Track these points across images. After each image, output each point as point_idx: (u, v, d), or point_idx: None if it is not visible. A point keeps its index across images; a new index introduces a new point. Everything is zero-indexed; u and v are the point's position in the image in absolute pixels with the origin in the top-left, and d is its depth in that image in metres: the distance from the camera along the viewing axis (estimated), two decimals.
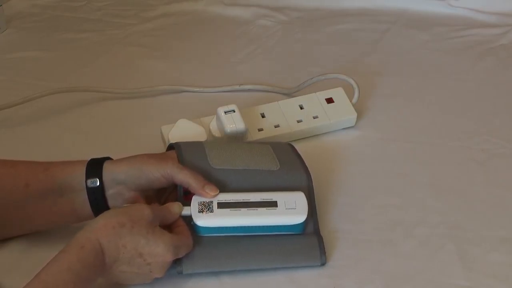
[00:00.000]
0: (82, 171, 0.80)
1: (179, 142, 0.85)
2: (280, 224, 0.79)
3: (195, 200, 0.78)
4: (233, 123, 0.94)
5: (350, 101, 1.03)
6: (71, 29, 1.33)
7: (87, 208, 0.81)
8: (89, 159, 0.81)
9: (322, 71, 1.09)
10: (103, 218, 0.74)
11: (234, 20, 1.34)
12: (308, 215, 0.79)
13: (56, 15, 1.38)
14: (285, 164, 0.84)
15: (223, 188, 0.80)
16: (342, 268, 0.79)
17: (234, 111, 0.95)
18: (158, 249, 0.74)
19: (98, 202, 0.80)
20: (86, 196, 0.80)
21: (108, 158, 0.82)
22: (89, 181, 0.79)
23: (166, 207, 0.79)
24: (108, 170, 0.80)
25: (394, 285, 0.78)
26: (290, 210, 0.78)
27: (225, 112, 0.95)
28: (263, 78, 1.15)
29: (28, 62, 1.23)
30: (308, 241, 0.80)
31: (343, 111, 1.02)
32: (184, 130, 0.95)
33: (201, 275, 0.79)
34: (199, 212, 0.78)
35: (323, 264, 0.80)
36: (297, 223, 0.79)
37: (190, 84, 1.13)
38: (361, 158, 0.96)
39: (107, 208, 0.80)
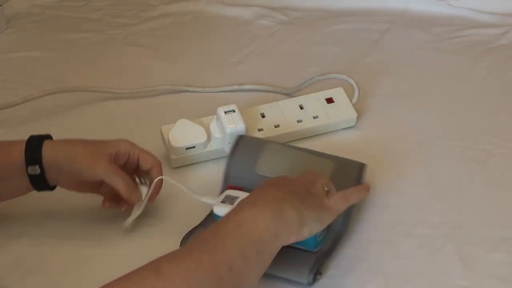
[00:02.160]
0: (21, 157, 0.80)
1: (244, 136, 0.91)
2: None
3: (226, 192, 0.83)
4: (233, 123, 0.94)
5: (350, 101, 1.03)
6: (71, 29, 1.33)
7: (27, 188, 0.82)
8: (26, 139, 0.82)
9: (322, 71, 1.09)
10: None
11: (234, 20, 1.34)
12: (329, 235, 0.80)
13: (56, 15, 1.38)
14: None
15: None
16: (342, 268, 0.79)
17: (234, 111, 0.95)
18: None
19: (40, 184, 0.82)
20: (28, 180, 0.81)
21: (48, 137, 0.83)
22: (29, 168, 0.80)
23: None
24: (46, 156, 0.80)
25: (394, 285, 0.78)
26: None
27: (225, 112, 0.95)
28: (263, 78, 1.15)
29: (28, 62, 1.23)
30: (305, 257, 0.79)
31: (343, 111, 1.02)
32: (184, 130, 0.95)
33: None
34: (221, 202, 0.81)
35: (309, 284, 0.78)
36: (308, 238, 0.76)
37: (190, 84, 1.13)
38: (361, 158, 0.96)
39: (48, 186, 0.82)
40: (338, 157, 0.89)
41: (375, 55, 1.22)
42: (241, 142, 0.91)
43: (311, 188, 0.75)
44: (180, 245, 0.83)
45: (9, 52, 1.26)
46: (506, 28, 1.26)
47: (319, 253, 0.80)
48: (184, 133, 0.95)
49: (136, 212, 0.85)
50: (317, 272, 0.78)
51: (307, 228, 0.71)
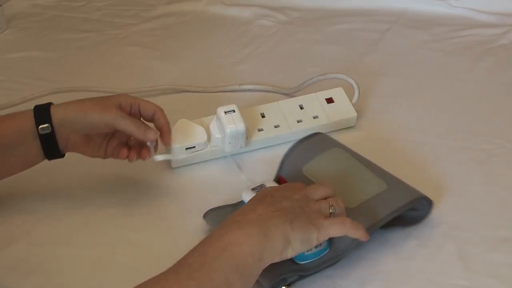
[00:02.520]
0: (30, 120, 0.82)
1: (320, 134, 0.91)
2: None
3: (264, 182, 0.84)
4: (233, 123, 0.94)
5: (350, 101, 1.03)
6: (71, 29, 1.33)
7: (39, 155, 0.84)
8: (32, 107, 0.83)
9: (322, 71, 1.09)
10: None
11: (234, 20, 1.34)
12: (328, 253, 0.78)
13: (56, 15, 1.38)
14: (360, 207, 0.81)
15: None
16: (342, 268, 0.79)
17: (234, 111, 0.95)
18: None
19: (51, 146, 0.84)
20: (39, 144, 0.83)
21: (51, 104, 0.85)
22: (40, 128, 0.82)
23: None
24: (56, 115, 0.83)
25: (394, 285, 0.78)
26: None
27: (225, 112, 0.95)
28: (263, 78, 1.15)
29: (28, 62, 1.23)
30: (285, 265, 0.75)
31: (343, 111, 1.02)
32: (184, 130, 0.95)
33: None
34: (251, 189, 0.83)
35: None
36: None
37: (190, 84, 1.13)
38: None
39: (59, 152, 0.85)
40: (396, 179, 0.85)
41: (375, 55, 1.22)
42: (312, 139, 0.90)
43: (308, 205, 0.74)
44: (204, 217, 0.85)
45: (9, 52, 1.26)
46: (506, 28, 1.26)
47: (302, 266, 0.77)
48: (184, 133, 0.95)
49: (168, 155, 0.89)
50: (282, 282, 0.76)
51: (291, 248, 0.71)
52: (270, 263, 0.70)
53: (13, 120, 0.84)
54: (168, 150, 0.95)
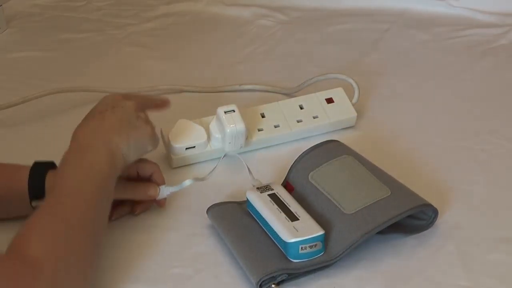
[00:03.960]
0: (24, 189, 0.82)
1: (334, 141, 0.91)
2: (280, 236, 0.79)
3: (271, 184, 0.85)
4: (233, 123, 0.94)
5: (350, 101, 1.03)
6: (71, 29, 1.33)
7: (29, 210, 0.81)
8: (30, 168, 0.83)
9: (322, 71, 1.09)
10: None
11: (234, 20, 1.34)
12: (323, 256, 0.79)
13: (56, 15, 1.38)
14: (359, 212, 0.81)
15: (302, 201, 0.84)
16: (342, 268, 0.79)
17: (234, 111, 0.95)
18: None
19: None
20: (30, 207, 0.82)
21: (51, 165, 0.84)
22: (33, 203, 0.82)
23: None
24: (50, 186, 0.82)
25: (394, 285, 0.78)
26: (299, 232, 0.78)
27: (225, 112, 0.95)
28: (263, 78, 1.15)
29: (28, 62, 1.23)
30: (277, 261, 0.78)
31: (343, 111, 1.02)
32: (184, 130, 0.95)
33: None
34: (256, 188, 0.84)
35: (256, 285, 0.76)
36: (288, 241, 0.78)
37: (190, 84, 1.13)
38: None
39: None
40: (402, 186, 0.85)
41: (375, 55, 1.22)
42: (324, 146, 0.90)
43: (142, 114, 0.85)
44: (207, 213, 0.86)
45: (9, 52, 1.26)
46: (506, 28, 1.26)
47: (293, 264, 0.78)
48: (184, 133, 0.95)
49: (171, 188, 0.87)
50: (271, 280, 0.76)
51: (129, 158, 0.82)
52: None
53: (9, 178, 0.84)
54: (168, 149, 0.95)
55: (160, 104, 0.90)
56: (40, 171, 0.83)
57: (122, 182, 0.83)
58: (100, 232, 0.76)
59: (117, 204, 0.86)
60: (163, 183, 0.87)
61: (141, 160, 0.87)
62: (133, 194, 0.86)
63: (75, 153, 0.79)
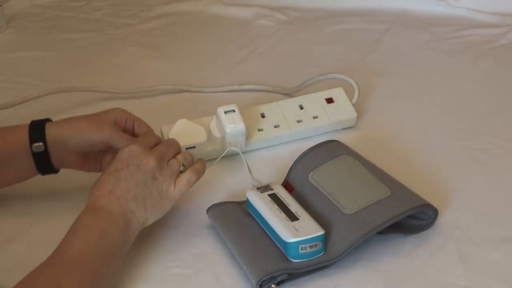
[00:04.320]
0: (25, 136, 0.82)
1: (334, 141, 0.91)
2: (280, 236, 0.79)
3: (271, 184, 0.85)
4: (233, 123, 0.94)
5: (350, 101, 1.03)
6: (71, 29, 1.33)
7: (33, 170, 0.84)
8: (29, 122, 0.84)
9: (322, 71, 1.09)
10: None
11: (234, 20, 1.34)
12: (323, 255, 0.79)
13: (56, 15, 1.38)
14: (359, 213, 0.81)
15: (302, 201, 0.84)
16: (342, 268, 0.79)
17: (234, 111, 0.95)
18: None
19: (44, 164, 0.84)
20: (32, 161, 0.83)
21: (48, 120, 0.85)
22: (34, 146, 0.82)
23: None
24: (51, 134, 0.83)
25: (394, 285, 0.78)
26: (299, 232, 0.78)
27: (225, 112, 0.95)
28: (263, 78, 1.15)
29: (28, 62, 1.23)
30: (277, 261, 0.78)
31: (343, 111, 1.02)
32: (184, 130, 0.95)
33: None
34: (257, 188, 0.84)
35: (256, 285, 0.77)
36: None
37: (190, 84, 1.13)
38: None
39: (53, 168, 0.85)
40: (402, 187, 0.85)
41: (375, 55, 1.22)
42: (324, 146, 0.90)
43: (161, 172, 0.80)
44: (207, 213, 0.86)
45: (9, 52, 1.26)
46: (506, 28, 1.26)
47: (293, 264, 0.78)
48: (184, 133, 0.95)
49: None
50: (271, 280, 0.76)
51: (149, 221, 0.80)
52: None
53: (8, 134, 0.84)
54: None
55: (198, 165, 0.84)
56: (38, 124, 0.84)
57: (121, 134, 0.84)
58: None
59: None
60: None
61: (138, 118, 0.88)
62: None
63: (87, 215, 0.77)
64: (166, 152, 0.82)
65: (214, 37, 1.30)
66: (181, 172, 0.82)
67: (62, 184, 0.93)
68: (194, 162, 0.84)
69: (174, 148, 0.84)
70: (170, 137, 0.94)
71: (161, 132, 0.97)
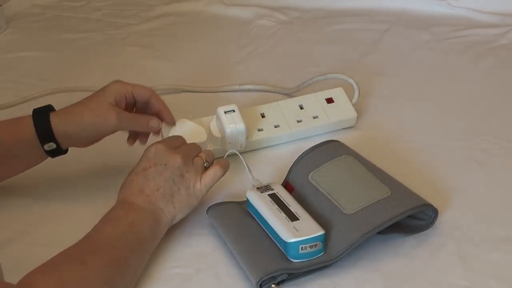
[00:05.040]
0: (32, 135, 0.84)
1: (334, 141, 0.91)
2: (280, 236, 0.79)
3: (271, 184, 0.85)
4: (233, 123, 0.94)
5: (350, 101, 1.03)
6: (71, 29, 1.33)
7: (43, 157, 0.87)
8: (31, 114, 0.85)
9: (322, 71, 1.09)
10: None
11: (234, 20, 1.34)
12: (323, 256, 0.79)
13: (56, 15, 1.38)
14: (359, 213, 0.81)
15: (302, 201, 0.84)
16: (342, 268, 0.79)
17: (234, 111, 0.95)
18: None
19: (56, 154, 0.87)
20: (44, 154, 0.86)
21: (50, 109, 0.87)
22: (45, 146, 0.85)
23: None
24: (60, 133, 0.85)
25: (394, 285, 0.78)
26: (299, 232, 0.78)
27: (225, 112, 0.95)
28: (263, 78, 1.15)
29: (28, 62, 1.23)
30: (276, 261, 0.78)
31: (343, 111, 1.02)
32: (184, 130, 0.95)
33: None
34: (257, 188, 0.85)
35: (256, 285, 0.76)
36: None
37: (190, 84, 1.13)
38: None
39: (62, 151, 0.88)
40: (402, 187, 0.85)
41: (375, 55, 1.22)
42: (324, 146, 0.90)
43: (187, 170, 0.82)
44: (207, 213, 0.86)
45: (9, 52, 1.26)
46: (506, 28, 1.26)
47: (293, 264, 0.78)
48: (184, 133, 0.94)
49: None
50: (271, 280, 0.76)
51: (177, 218, 0.83)
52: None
53: (13, 128, 0.85)
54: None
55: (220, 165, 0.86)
56: (42, 116, 0.85)
57: (126, 116, 0.87)
58: None
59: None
60: (163, 104, 0.91)
61: (135, 86, 0.89)
62: (137, 126, 0.89)
63: (118, 209, 0.80)
64: (190, 151, 0.85)
65: (214, 37, 1.30)
66: (205, 168, 0.85)
67: (62, 183, 0.93)
68: (217, 159, 0.87)
69: (196, 148, 0.87)
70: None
71: (161, 132, 0.97)
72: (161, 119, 0.91)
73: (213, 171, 0.84)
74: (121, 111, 0.86)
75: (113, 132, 0.88)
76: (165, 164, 0.82)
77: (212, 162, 0.86)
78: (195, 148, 0.86)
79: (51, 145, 0.85)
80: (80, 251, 0.73)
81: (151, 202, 0.80)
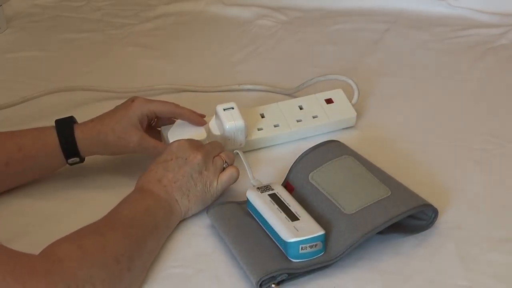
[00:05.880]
0: (55, 147, 0.88)
1: (335, 141, 0.91)
2: (280, 235, 0.79)
3: (272, 184, 0.86)
4: (232, 119, 0.94)
5: (350, 102, 1.03)
6: (71, 29, 1.33)
7: (61, 165, 0.91)
8: (54, 126, 0.89)
9: (322, 71, 1.09)
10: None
11: (234, 20, 1.34)
12: (323, 256, 0.79)
13: (56, 15, 1.38)
14: (359, 213, 0.81)
15: (302, 201, 0.84)
16: (342, 268, 0.79)
17: (233, 108, 0.95)
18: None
19: (76, 163, 0.92)
20: (65, 163, 0.90)
21: (72, 120, 0.90)
22: (70, 160, 0.90)
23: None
24: (84, 149, 0.89)
25: (394, 285, 0.78)
26: (299, 231, 0.78)
27: (224, 109, 0.95)
28: (263, 78, 1.15)
29: (28, 62, 1.23)
30: (277, 261, 0.78)
31: (343, 111, 1.02)
32: (184, 129, 0.95)
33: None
34: (257, 188, 0.85)
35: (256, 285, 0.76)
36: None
37: (190, 84, 1.13)
38: None
39: (82, 161, 0.92)
40: (402, 187, 0.85)
41: (375, 55, 1.22)
42: (324, 146, 0.90)
43: (207, 167, 0.85)
44: (207, 213, 0.86)
45: (9, 52, 1.26)
46: (506, 28, 1.26)
47: (293, 264, 0.78)
48: (184, 132, 0.95)
49: None
50: (271, 280, 0.76)
51: (191, 212, 0.85)
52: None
53: (38, 139, 0.88)
54: None
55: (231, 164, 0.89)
56: (66, 129, 0.89)
57: (147, 141, 0.90)
58: (137, 272, 0.76)
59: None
60: (187, 112, 0.94)
61: (157, 104, 0.92)
62: (156, 152, 0.89)
63: (136, 194, 0.83)
64: (212, 150, 0.87)
65: (214, 37, 1.30)
66: (224, 169, 0.87)
67: (62, 184, 0.93)
68: None
69: (219, 147, 0.89)
70: (169, 136, 0.94)
71: (161, 132, 0.97)
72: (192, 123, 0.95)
73: (230, 172, 0.87)
74: (143, 138, 0.90)
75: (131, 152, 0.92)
76: (186, 159, 0.84)
77: (231, 163, 0.88)
78: (217, 147, 0.89)
79: (75, 160, 0.90)
80: (99, 226, 0.77)
81: (167, 192, 0.83)
